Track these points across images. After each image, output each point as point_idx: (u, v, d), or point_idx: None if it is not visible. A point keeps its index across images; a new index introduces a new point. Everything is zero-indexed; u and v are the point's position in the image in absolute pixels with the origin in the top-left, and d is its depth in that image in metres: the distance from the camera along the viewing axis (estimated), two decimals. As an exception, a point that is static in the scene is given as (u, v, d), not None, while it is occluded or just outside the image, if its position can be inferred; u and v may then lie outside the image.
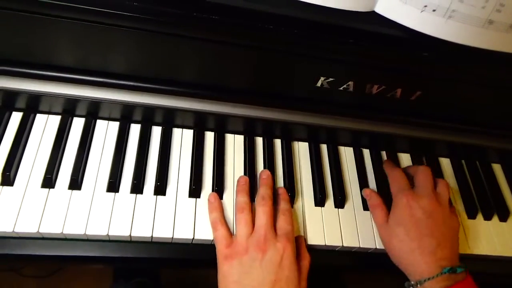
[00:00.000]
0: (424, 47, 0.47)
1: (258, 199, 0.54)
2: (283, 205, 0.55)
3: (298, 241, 0.55)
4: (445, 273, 0.48)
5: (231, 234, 0.52)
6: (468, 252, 0.60)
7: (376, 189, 0.63)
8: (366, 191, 0.60)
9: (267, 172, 0.58)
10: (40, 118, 0.57)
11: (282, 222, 0.52)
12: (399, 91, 0.54)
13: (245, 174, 0.59)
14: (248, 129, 0.62)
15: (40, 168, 0.53)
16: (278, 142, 0.64)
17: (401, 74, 0.52)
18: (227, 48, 0.48)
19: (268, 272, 0.47)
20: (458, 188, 0.68)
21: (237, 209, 0.53)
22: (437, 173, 0.68)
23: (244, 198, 0.54)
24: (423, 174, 0.57)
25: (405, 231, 0.51)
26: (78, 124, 0.58)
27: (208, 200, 0.54)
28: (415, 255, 0.50)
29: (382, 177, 0.64)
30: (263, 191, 0.55)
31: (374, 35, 0.47)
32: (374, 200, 0.58)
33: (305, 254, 0.53)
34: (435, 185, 0.56)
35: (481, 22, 0.45)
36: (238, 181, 0.57)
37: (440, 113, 0.61)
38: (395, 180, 0.57)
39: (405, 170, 0.61)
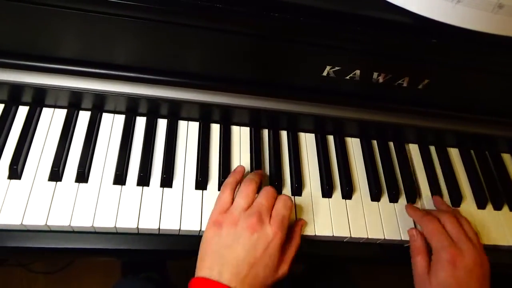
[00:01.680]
0: (432, 33, 0.47)
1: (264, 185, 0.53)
2: (285, 195, 0.54)
3: (295, 223, 0.54)
4: None
5: (231, 202, 0.50)
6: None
7: (384, 180, 0.63)
8: (411, 231, 0.56)
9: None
10: (46, 112, 0.57)
11: (280, 206, 0.50)
12: (406, 79, 0.53)
13: (251, 166, 0.59)
14: (254, 120, 0.62)
15: (47, 161, 0.53)
16: (284, 134, 0.64)
17: (408, 62, 0.51)
18: (232, 37, 0.47)
19: (250, 253, 0.46)
20: (467, 179, 0.67)
21: (244, 180, 0.52)
22: (447, 163, 0.67)
23: (255, 177, 0.53)
24: (452, 225, 0.54)
25: None
26: (84, 117, 0.58)
27: (235, 169, 0.55)
28: None
29: (390, 168, 0.64)
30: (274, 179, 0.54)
31: (381, 21, 0.46)
32: (418, 244, 0.54)
33: (297, 238, 0.52)
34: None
35: (491, 6, 0.44)
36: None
37: (448, 102, 0.60)
38: (434, 234, 0.53)
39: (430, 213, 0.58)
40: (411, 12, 0.45)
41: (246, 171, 0.58)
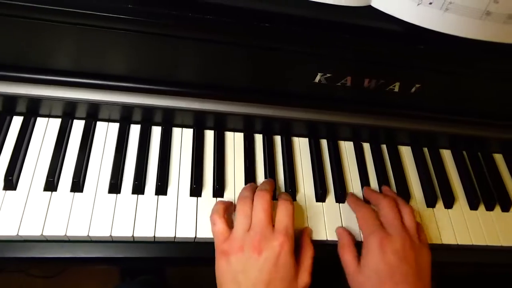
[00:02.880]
0: (422, 40, 0.47)
1: (257, 192, 0.52)
2: (284, 195, 0.54)
3: (303, 232, 0.54)
4: None
5: (229, 228, 0.50)
6: (469, 243, 0.60)
7: (377, 183, 0.64)
8: (339, 230, 0.56)
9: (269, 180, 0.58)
10: (40, 122, 0.57)
11: (281, 215, 0.50)
12: (397, 84, 0.54)
13: (245, 171, 0.60)
14: (248, 126, 0.62)
15: (42, 171, 0.53)
16: (278, 139, 0.64)
17: (399, 68, 0.52)
18: (223, 47, 0.48)
19: (263, 272, 0.46)
20: (459, 180, 0.68)
21: (239, 199, 0.52)
22: (439, 165, 0.68)
23: (248, 192, 0.53)
24: (388, 209, 0.54)
25: (379, 279, 0.48)
26: (78, 126, 0.58)
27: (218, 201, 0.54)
28: None
29: (383, 171, 0.64)
30: (263, 185, 0.54)
31: (371, 29, 0.47)
32: (345, 241, 0.54)
33: (308, 246, 0.52)
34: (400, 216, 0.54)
35: (479, 13, 0.45)
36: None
37: (439, 105, 0.60)
38: (364, 219, 0.54)
39: (369, 197, 0.60)
40: (402, 20, 0.46)
41: (240, 181, 0.59)
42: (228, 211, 0.53)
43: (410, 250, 0.50)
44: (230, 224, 0.51)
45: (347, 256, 0.52)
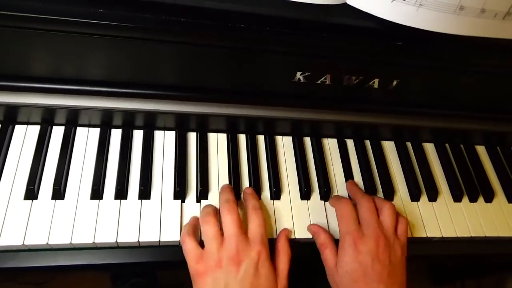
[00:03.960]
0: (397, 36, 0.47)
1: (222, 204, 0.51)
2: (253, 202, 0.53)
3: (279, 235, 0.54)
4: None
5: (200, 247, 0.49)
6: (454, 235, 0.61)
7: (361, 179, 0.64)
8: (311, 228, 0.56)
9: (227, 184, 0.58)
10: (19, 129, 0.57)
11: (253, 225, 0.50)
12: (376, 81, 0.54)
13: (229, 172, 0.59)
14: (231, 127, 0.62)
15: (22, 179, 0.53)
16: (261, 138, 0.64)
17: (376, 65, 0.52)
18: (201, 49, 0.48)
19: (245, 284, 0.45)
20: (443, 173, 0.68)
21: (202, 220, 0.50)
22: (422, 159, 0.68)
23: (208, 208, 0.52)
24: (365, 208, 0.54)
25: (353, 278, 0.49)
26: (58, 132, 0.57)
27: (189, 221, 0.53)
28: None
29: (367, 167, 0.65)
30: (226, 195, 0.53)
31: (347, 27, 0.47)
32: (322, 239, 0.54)
33: (285, 250, 0.52)
34: (379, 213, 0.54)
35: (452, 8, 0.45)
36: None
37: (420, 99, 0.61)
38: (342, 217, 0.54)
39: (351, 194, 0.59)
40: (377, 17, 0.46)
41: (224, 182, 0.59)
42: (197, 229, 0.52)
43: (384, 250, 0.50)
44: (201, 243, 0.50)
45: (327, 253, 0.53)
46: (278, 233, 0.55)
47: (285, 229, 0.55)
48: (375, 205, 0.55)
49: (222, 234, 0.49)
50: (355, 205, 0.56)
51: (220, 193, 0.55)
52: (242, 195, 0.57)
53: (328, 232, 0.55)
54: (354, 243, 0.50)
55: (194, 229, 0.51)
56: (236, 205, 0.52)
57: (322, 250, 0.54)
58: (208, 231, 0.49)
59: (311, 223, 0.58)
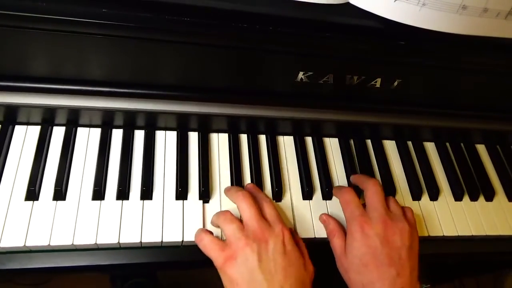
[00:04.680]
0: (400, 35, 0.47)
1: (234, 195, 0.52)
2: (259, 195, 0.54)
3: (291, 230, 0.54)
4: None
5: (219, 239, 0.49)
6: (455, 234, 0.61)
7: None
8: (322, 217, 0.56)
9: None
10: (19, 130, 0.56)
11: (268, 209, 0.51)
12: (379, 80, 0.54)
13: (231, 172, 0.59)
14: (232, 127, 0.62)
15: (23, 180, 0.52)
16: (263, 138, 0.64)
17: (379, 64, 0.52)
18: (203, 49, 0.47)
19: (278, 262, 0.45)
20: (443, 172, 0.68)
21: (220, 221, 0.50)
22: (423, 158, 0.68)
23: (221, 212, 0.52)
24: (372, 192, 0.53)
25: (362, 263, 0.48)
26: (58, 133, 0.57)
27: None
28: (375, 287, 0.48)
29: (368, 166, 0.65)
30: (235, 188, 0.54)
31: (350, 27, 0.47)
32: (331, 227, 0.54)
33: (301, 241, 0.52)
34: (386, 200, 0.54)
35: (455, 7, 0.45)
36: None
37: (421, 99, 0.61)
38: (346, 204, 0.53)
39: (356, 181, 0.60)
40: (380, 16, 0.46)
41: (226, 182, 0.59)
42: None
43: (393, 233, 0.50)
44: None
45: (336, 240, 0.53)
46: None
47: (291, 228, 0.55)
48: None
49: (240, 220, 0.49)
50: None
51: (226, 192, 0.56)
52: None
53: (337, 221, 0.55)
54: (361, 227, 0.50)
55: (203, 227, 0.52)
56: (248, 192, 0.52)
57: (330, 238, 0.54)
58: (226, 218, 0.49)
59: (313, 222, 0.58)
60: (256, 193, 0.55)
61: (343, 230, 0.54)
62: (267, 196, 0.54)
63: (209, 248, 0.47)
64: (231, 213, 0.50)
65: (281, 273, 0.45)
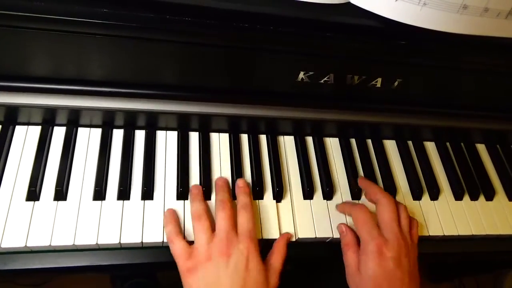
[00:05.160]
0: (401, 35, 0.47)
1: (216, 204, 0.53)
2: (242, 199, 0.54)
3: (281, 237, 0.54)
4: None
5: (189, 245, 0.49)
6: (455, 233, 0.61)
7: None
8: (341, 227, 0.56)
9: (223, 178, 0.57)
10: (19, 130, 0.56)
11: (242, 220, 0.51)
12: (379, 80, 0.54)
13: (231, 172, 0.59)
14: (233, 127, 0.62)
15: (24, 181, 0.52)
16: (263, 138, 0.64)
17: (380, 64, 0.52)
18: (203, 49, 0.47)
19: (236, 278, 0.46)
20: (444, 171, 0.68)
21: (194, 217, 0.51)
22: (424, 158, 0.68)
23: (200, 205, 0.52)
24: (388, 211, 0.53)
25: (376, 284, 0.49)
26: (59, 133, 0.57)
27: (164, 214, 0.53)
28: None
29: (369, 166, 0.65)
30: (221, 195, 0.53)
31: (351, 26, 0.47)
32: (348, 239, 0.54)
33: (281, 250, 0.52)
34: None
35: (456, 7, 0.45)
36: (190, 190, 0.55)
37: (422, 99, 0.61)
38: (363, 223, 0.53)
39: (364, 186, 0.60)
40: (380, 16, 0.46)
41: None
42: (179, 225, 0.52)
43: (406, 255, 0.51)
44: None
45: (350, 254, 0.53)
46: (279, 236, 0.55)
47: (288, 233, 0.56)
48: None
49: (213, 231, 0.50)
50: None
51: (215, 188, 0.56)
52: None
53: (354, 233, 0.55)
54: (379, 249, 0.50)
55: (178, 227, 0.52)
56: (230, 202, 0.53)
57: (345, 251, 0.54)
58: (199, 226, 0.50)
59: (314, 222, 0.58)
60: (240, 196, 0.54)
61: (357, 244, 0.54)
62: (249, 203, 0.53)
63: (177, 255, 0.49)
64: (208, 223, 0.50)
65: None
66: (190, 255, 0.48)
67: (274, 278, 0.49)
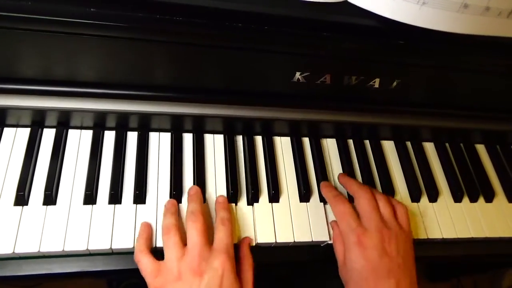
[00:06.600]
0: (399, 35, 0.46)
1: (187, 215, 0.49)
2: (222, 214, 0.51)
3: (241, 243, 0.52)
4: None
5: (158, 262, 0.46)
6: (454, 236, 0.60)
7: (361, 180, 0.63)
8: (332, 222, 0.56)
9: (195, 187, 0.54)
10: (8, 132, 0.55)
11: (221, 234, 0.48)
12: (377, 80, 0.53)
13: (226, 174, 0.58)
14: (228, 128, 0.61)
15: (11, 185, 0.51)
16: (259, 139, 0.63)
17: (378, 64, 0.51)
18: (197, 49, 0.46)
19: None
20: (443, 172, 0.67)
21: (163, 231, 0.48)
22: (422, 159, 0.67)
23: (170, 219, 0.49)
24: (365, 201, 0.52)
25: (362, 276, 0.48)
26: (49, 135, 0.55)
27: (140, 229, 0.50)
28: None
29: (366, 167, 0.64)
30: (192, 206, 0.50)
31: (348, 26, 0.45)
32: (337, 233, 0.54)
33: (247, 257, 0.50)
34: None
35: (456, 6, 0.44)
36: (165, 206, 0.52)
37: (420, 99, 0.60)
38: (342, 215, 0.52)
39: (344, 183, 0.58)
40: (379, 15, 0.45)
41: (221, 185, 0.57)
42: (151, 241, 0.49)
43: (390, 242, 0.49)
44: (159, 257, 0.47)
45: (338, 246, 0.52)
46: (240, 242, 0.53)
47: (247, 237, 0.53)
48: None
49: (184, 245, 0.47)
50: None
51: (187, 198, 0.53)
52: (215, 204, 0.54)
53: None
54: (359, 240, 0.49)
55: (148, 242, 0.49)
56: (201, 214, 0.49)
57: (335, 244, 0.54)
58: (169, 241, 0.46)
59: (311, 225, 0.56)
60: (219, 211, 0.52)
61: None
62: (228, 218, 0.50)
63: (144, 273, 0.46)
64: (177, 237, 0.47)
65: None
66: (158, 272, 0.45)
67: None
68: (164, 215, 0.51)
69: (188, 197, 0.53)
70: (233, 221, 0.53)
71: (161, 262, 0.46)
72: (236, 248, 0.51)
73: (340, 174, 0.61)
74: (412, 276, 0.49)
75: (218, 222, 0.50)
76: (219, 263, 0.45)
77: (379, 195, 0.55)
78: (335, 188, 0.58)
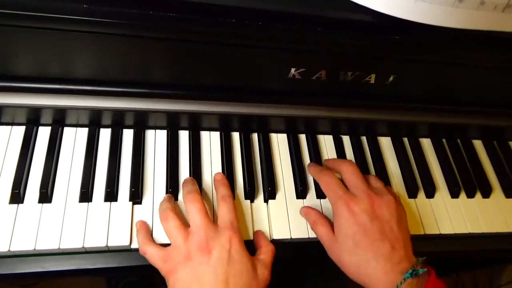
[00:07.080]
0: (395, 30, 0.46)
1: (184, 198, 0.49)
2: (221, 190, 0.51)
3: (257, 234, 0.53)
4: (407, 278, 0.44)
5: (163, 248, 0.47)
6: (451, 232, 0.60)
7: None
8: (303, 210, 0.55)
9: (188, 178, 0.55)
10: (3, 130, 0.54)
11: (224, 211, 0.48)
12: (373, 76, 0.52)
13: (223, 171, 0.58)
14: (224, 125, 0.60)
15: (7, 183, 0.51)
16: (255, 136, 0.63)
17: (373, 60, 0.50)
18: (191, 46, 0.46)
19: (218, 272, 0.43)
20: (440, 168, 0.67)
21: (161, 217, 0.49)
22: (419, 154, 0.67)
23: (167, 204, 0.49)
24: (349, 171, 0.52)
25: (354, 242, 0.47)
26: (44, 133, 0.55)
27: (138, 225, 0.50)
28: (371, 266, 0.46)
29: (364, 163, 0.64)
30: (188, 188, 0.50)
31: (343, 21, 0.45)
32: (313, 217, 0.53)
33: (268, 242, 0.51)
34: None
35: (451, 0, 0.44)
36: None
37: (416, 94, 0.60)
38: (327, 185, 0.52)
39: (331, 166, 0.58)
40: (373, 11, 0.44)
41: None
42: (150, 234, 0.50)
43: (380, 205, 0.49)
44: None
45: (320, 228, 0.51)
46: (255, 233, 0.53)
47: (259, 231, 0.54)
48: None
49: (186, 227, 0.47)
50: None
51: (182, 187, 0.53)
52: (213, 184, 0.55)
53: (318, 211, 0.55)
54: (347, 205, 0.48)
55: (148, 235, 0.49)
56: (199, 195, 0.49)
57: (315, 228, 0.52)
58: (170, 226, 0.47)
59: (307, 222, 0.56)
60: (219, 188, 0.52)
61: (327, 218, 0.53)
62: (228, 194, 0.51)
63: (152, 260, 0.46)
64: (177, 221, 0.47)
65: (222, 285, 0.43)
66: (166, 257, 0.45)
67: (263, 271, 0.47)
68: (160, 204, 0.51)
69: (182, 183, 0.53)
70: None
71: (167, 247, 0.47)
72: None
73: (325, 160, 0.61)
74: (407, 242, 0.48)
75: (219, 199, 0.50)
76: (226, 238, 0.45)
77: (370, 175, 0.55)
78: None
